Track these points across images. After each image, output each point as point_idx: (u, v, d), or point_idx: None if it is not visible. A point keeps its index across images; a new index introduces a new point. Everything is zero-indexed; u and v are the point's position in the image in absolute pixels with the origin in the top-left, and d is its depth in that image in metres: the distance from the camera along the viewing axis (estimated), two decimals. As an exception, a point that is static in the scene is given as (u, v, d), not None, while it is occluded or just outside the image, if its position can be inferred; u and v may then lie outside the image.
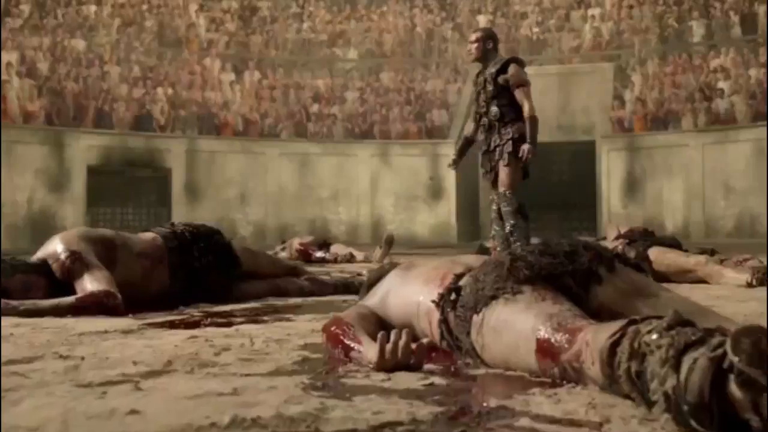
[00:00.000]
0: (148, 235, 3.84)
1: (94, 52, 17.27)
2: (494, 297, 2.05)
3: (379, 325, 2.36)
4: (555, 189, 17.84)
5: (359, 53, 19.32)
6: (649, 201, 16.23)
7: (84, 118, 15.75)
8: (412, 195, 16.95)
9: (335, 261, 8.19)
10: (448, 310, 2.19)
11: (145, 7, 18.62)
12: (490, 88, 6.39)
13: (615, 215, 16.27)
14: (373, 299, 2.47)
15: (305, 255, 8.32)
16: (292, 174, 16.60)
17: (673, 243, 5.27)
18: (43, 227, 14.32)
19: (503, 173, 6.39)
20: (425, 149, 17.08)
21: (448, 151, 17.03)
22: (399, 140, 17.33)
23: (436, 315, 2.23)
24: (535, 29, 19.42)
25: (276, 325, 2.96)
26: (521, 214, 6.52)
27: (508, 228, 6.45)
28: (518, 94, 6.55)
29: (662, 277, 4.90)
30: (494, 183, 6.47)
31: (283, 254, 8.53)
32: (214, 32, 18.91)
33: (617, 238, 7.40)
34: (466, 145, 6.81)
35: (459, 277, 2.25)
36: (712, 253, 8.94)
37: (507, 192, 6.38)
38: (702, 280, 4.84)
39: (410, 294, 2.36)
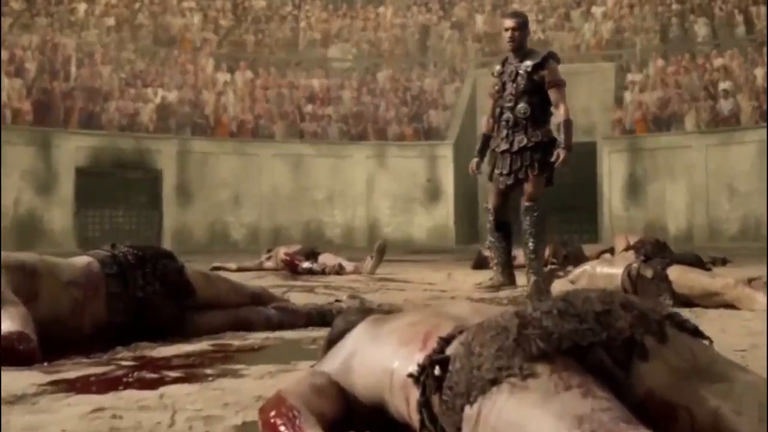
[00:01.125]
0: (82, 260, 3.16)
1: (84, 51, 16.61)
2: (495, 381, 1.40)
3: (339, 402, 1.70)
4: (555, 191, 17.04)
5: (355, 52, 18.66)
6: (651, 204, 15.68)
7: (72, 118, 15.13)
8: (409, 197, 16.38)
9: (323, 272, 7.50)
10: (432, 389, 1.53)
11: (137, 5, 17.94)
12: (522, 82, 5.74)
13: (616, 218, 15.76)
14: (333, 362, 1.79)
15: (291, 265, 7.63)
16: (286, 176, 16.01)
17: (694, 261, 4.60)
18: (30, 231, 13.97)
19: (530, 183, 5.74)
20: (422, 151, 16.49)
21: (446, 152, 16.63)
22: (395, 141, 16.72)
23: (415, 393, 1.57)
24: (534, 28, 18.72)
25: (216, 384, 2.29)
26: (506, 232, 5.96)
27: (530, 246, 5.75)
28: (554, 94, 5.91)
29: (684, 300, 4.24)
30: (508, 188, 5.81)
31: (269, 263, 7.85)
32: (208, 32, 18.26)
33: (626, 249, 6.73)
34: (485, 145, 6.16)
35: (446, 341, 1.59)
36: (723, 262, 8.33)
37: (533, 205, 5.73)
38: (729, 305, 4.17)
39: (381, 358, 1.69)
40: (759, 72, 15.70)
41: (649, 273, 4.40)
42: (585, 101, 17.25)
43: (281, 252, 7.78)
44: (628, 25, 18.14)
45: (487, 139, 6.00)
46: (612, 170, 16.03)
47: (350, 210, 16.29)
